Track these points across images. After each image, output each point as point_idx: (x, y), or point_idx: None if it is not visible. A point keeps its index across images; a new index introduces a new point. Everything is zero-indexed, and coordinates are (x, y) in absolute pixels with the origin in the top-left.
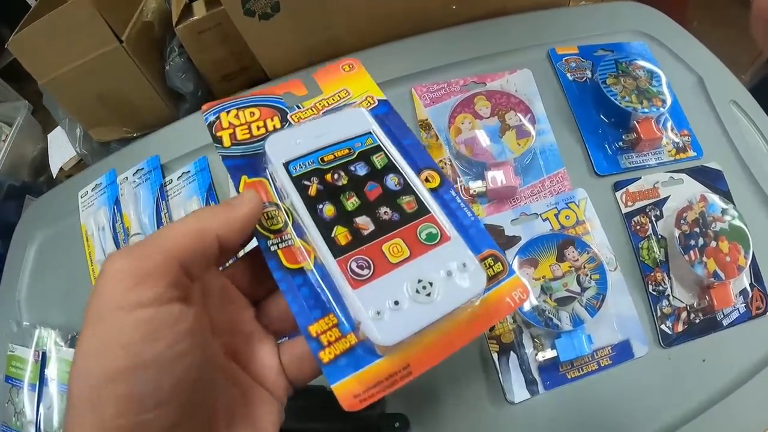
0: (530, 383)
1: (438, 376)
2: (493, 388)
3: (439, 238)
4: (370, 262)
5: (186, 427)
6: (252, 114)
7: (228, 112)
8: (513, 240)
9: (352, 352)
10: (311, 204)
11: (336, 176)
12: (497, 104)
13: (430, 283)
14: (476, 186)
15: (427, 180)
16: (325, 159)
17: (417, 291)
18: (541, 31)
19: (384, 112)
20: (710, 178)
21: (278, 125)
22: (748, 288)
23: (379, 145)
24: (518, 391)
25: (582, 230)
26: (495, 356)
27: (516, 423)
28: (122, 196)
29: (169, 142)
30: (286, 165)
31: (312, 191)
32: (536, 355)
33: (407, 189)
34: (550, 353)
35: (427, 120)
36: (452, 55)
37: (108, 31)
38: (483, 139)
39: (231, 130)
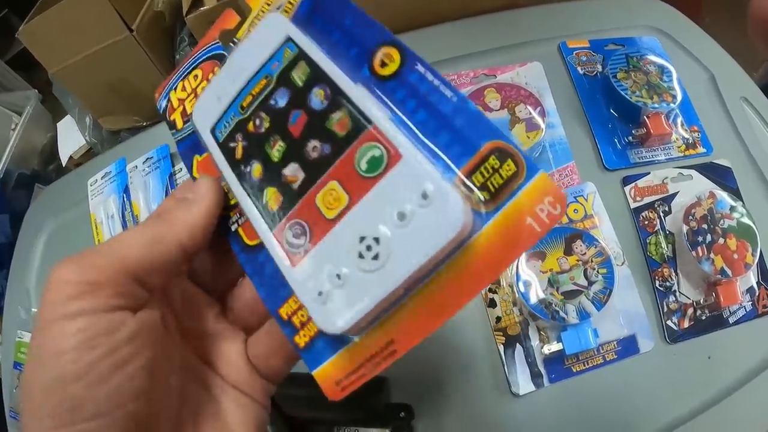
0: (536, 376)
1: (443, 366)
2: (499, 380)
3: (385, 161)
4: (305, 226)
5: None
6: (195, 77)
7: (175, 89)
8: None
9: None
10: (237, 168)
11: (258, 122)
12: (507, 97)
13: (376, 240)
14: None
15: (382, 65)
16: (244, 105)
17: (360, 255)
18: (553, 24)
19: (311, 2)
20: (719, 175)
21: None
22: (755, 286)
23: (298, 54)
24: (524, 384)
25: (590, 224)
26: (501, 348)
27: (521, 415)
28: (132, 185)
29: None
30: (213, 132)
31: (238, 153)
32: (542, 347)
33: (336, 101)
34: (555, 346)
35: None
36: (463, 47)
37: (119, 21)
38: None
39: (181, 108)
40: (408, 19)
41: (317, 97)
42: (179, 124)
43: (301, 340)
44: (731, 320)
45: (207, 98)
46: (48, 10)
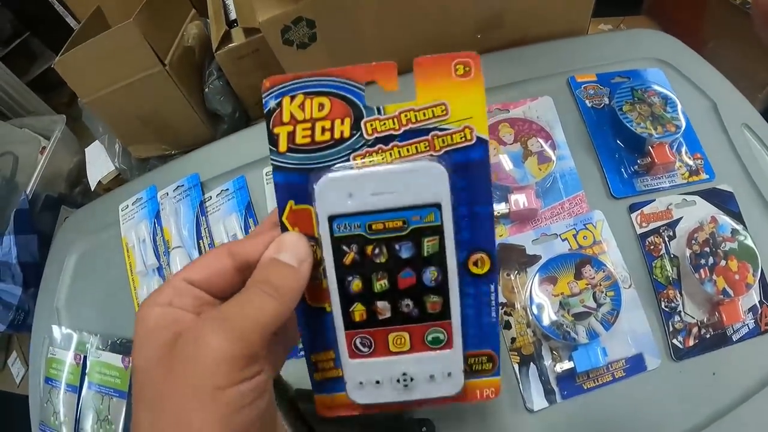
0: (548, 392)
1: None
2: (514, 396)
3: (442, 344)
4: (372, 343)
5: None
6: (321, 107)
7: (293, 97)
8: (534, 259)
9: (336, 380)
10: (341, 272)
11: (377, 251)
12: (520, 131)
13: (412, 379)
14: (500, 208)
15: (475, 264)
16: (374, 227)
17: (398, 380)
18: (561, 59)
19: (475, 159)
20: (722, 200)
21: (347, 134)
22: (758, 305)
23: (438, 226)
24: (537, 400)
25: (598, 250)
26: (516, 367)
27: (535, 430)
28: (163, 211)
29: (208, 161)
30: (331, 220)
31: (347, 260)
32: (554, 366)
33: (440, 289)
34: (567, 364)
35: None
36: None
37: (152, 55)
38: (506, 163)
39: (291, 127)
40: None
41: (430, 275)
42: (282, 146)
43: (318, 376)
44: (734, 338)
45: (339, 184)
46: (84, 43)
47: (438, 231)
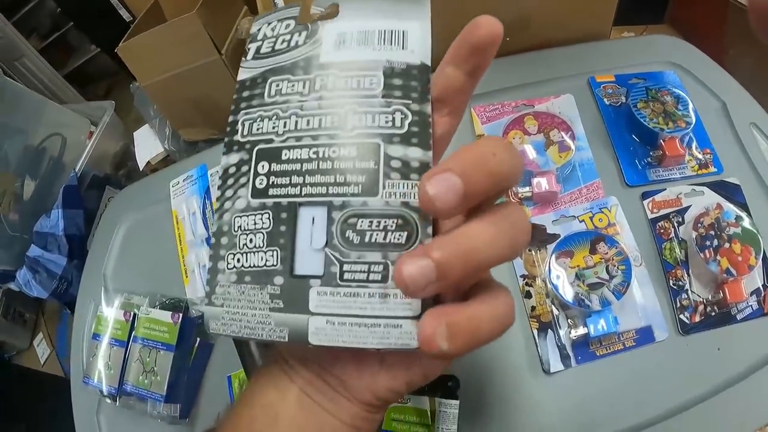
0: (565, 357)
1: (486, 347)
2: (533, 359)
3: None
4: None
5: None
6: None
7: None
8: (554, 237)
9: None
10: None
11: None
12: (543, 123)
13: None
14: (524, 191)
15: None
16: None
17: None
18: (583, 61)
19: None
20: (729, 191)
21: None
22: (761, 288)
23: None
24: (554, 363)
25: (612, 231)
26: (535, 333)
27: (551, 389)
28: (212, 187)
29: None
30: None
31: None
32: (570, 332)
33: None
34: (581, 331)
35: (483, 135)
36: (506, 80)
37: (211, 45)
38: (530, 151)
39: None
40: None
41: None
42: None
43: None
44: (739, 317)
45: None
46: (148, 32)
47: None
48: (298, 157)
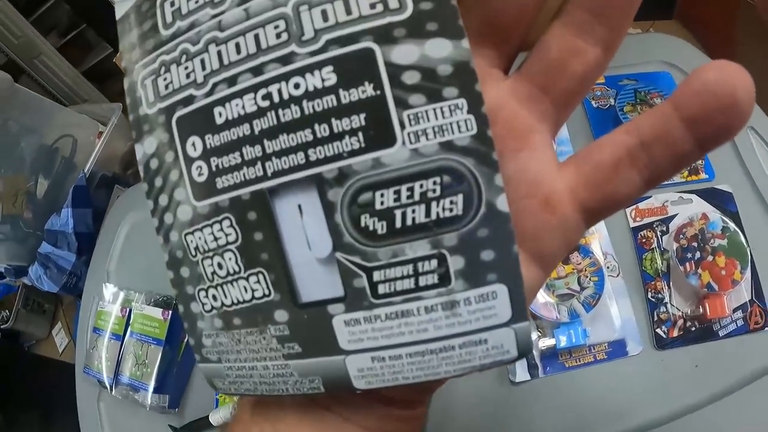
0: (532, 367)
1: None
2: (499, 368)
3: None
4: None
5: None
6: None
7: None
8: None
9: None
10: None
11: None
12: None
13: None
14: None
15: None
16: None
17: None
18: None
19: None
20: (720, 199)
21: None
22: (748, 303)
23: None
24: (521, 373)
25: (590, 239)
26: None
27: (516, 399)
28: None
29: None
30: None
31: None
32: (539, 341)
33: None
34: (549, 341)
35: None
36: None
37: None
38: None
39: None
40: None
41: None
42: None
43: None
44: (721, 333)
45: None
46: None
47: None
48: (241, 113)
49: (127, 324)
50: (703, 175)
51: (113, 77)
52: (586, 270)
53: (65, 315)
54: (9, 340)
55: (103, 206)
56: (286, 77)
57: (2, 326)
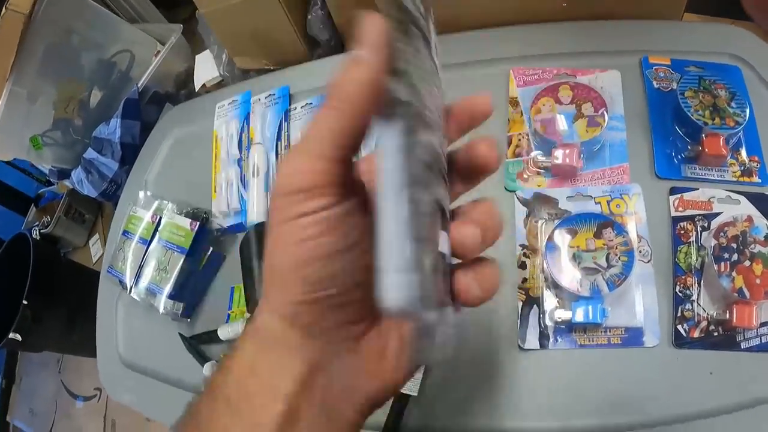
0: (543, 337)
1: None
2: (511, 333)
3: None
4: None
5: (345, 298)
6: None
7: None
8: (563, 213)
9: None
10: None
11: None
12: (578, 95)
13: None
14: (543, 160)
15: None
16: None
17: None
18: (640, 39)
19: None
20: None
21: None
22: None
23: None
24: (531, 340)
25: (627, 220)
26: (519, 305)
27: (520, 367)
28: (252, 113)
29: (300, 78)
30: None
31: None
32: (555, 312)
33: None
34: (566, 314)
35: (516, 98)
36: (553, 46)
37: None
38: (557, 121)
39: None
40: (510, 15)
41: None
42: None
43: None
44: (743, 345)
45: None
46: None
47: None
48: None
49: (155, 230)
50: (756, 179)
51: (181, 5)
52: (617, 248)
53: (104, 227)
54: (48, 244)
55: (152, 121)
56: None
57: (42, 230)
